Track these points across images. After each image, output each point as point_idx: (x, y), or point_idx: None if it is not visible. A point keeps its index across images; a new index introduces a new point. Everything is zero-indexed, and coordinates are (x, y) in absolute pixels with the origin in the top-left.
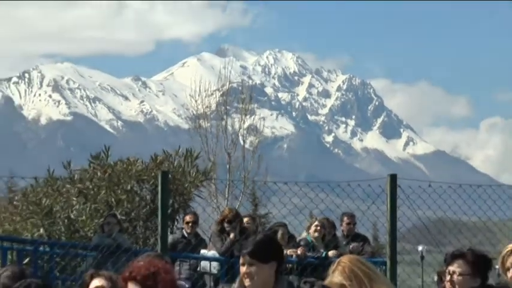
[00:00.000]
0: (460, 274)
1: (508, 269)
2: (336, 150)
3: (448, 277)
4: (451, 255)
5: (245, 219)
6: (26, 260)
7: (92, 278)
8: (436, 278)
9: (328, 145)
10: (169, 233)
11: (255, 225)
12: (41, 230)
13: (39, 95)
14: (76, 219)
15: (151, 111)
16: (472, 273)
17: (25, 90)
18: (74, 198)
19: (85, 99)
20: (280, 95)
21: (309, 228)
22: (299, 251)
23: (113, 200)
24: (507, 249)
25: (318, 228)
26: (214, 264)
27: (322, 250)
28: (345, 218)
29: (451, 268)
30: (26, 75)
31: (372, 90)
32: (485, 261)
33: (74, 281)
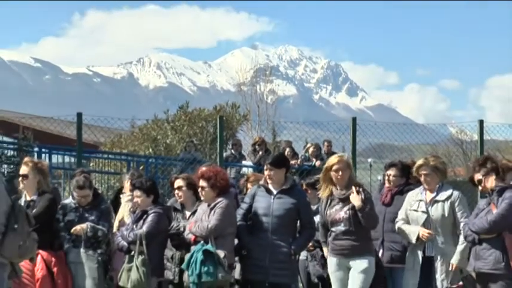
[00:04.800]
0: (393, 176)
1: (421, 175)
2: (321, 104)
3: (386, 177)
4: (388, 165)
5: (288, 149)
6: (141, 167)
7: (175, 179)
8: (379, 177)
9: (316, 101)
10: (223, 151)
11: (292, 151)
12: (150, 150)
13: (149, 71)
14: (170, 144)
15: (214, 81)
16: (400, 175)
17: (140, 68)
18: (169, 131)
19: (175, 74)
20: (288, 71)
21: (307, 149)
22: (296, 162)
23: (191, 132)
24: (419, 163)
25: (314, 150)
26: (250, 170)
27: (313, 161)
28: (326, 143)
29: (388, 172)
30: (141, 59)
31: (341, 68)
32: (408, 168)
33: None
